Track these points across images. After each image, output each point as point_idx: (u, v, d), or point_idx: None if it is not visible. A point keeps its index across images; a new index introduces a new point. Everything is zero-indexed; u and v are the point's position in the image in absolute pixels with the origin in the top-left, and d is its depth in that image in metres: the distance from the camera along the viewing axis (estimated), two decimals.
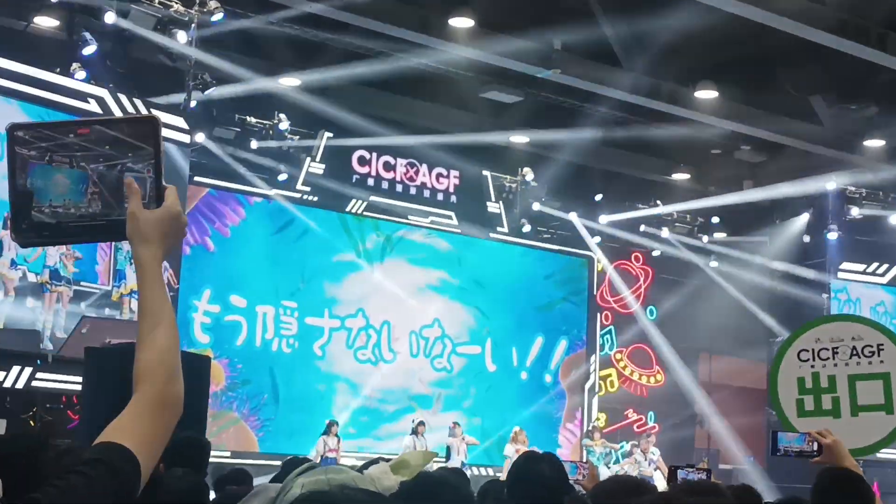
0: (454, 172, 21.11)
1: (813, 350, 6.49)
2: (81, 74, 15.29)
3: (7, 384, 11.14)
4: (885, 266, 23.30)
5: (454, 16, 15.93)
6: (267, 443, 18.80)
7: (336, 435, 17.30)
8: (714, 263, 23.68)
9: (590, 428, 21.73)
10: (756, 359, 23.08)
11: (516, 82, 18.25)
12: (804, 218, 23.08)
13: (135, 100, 15.56)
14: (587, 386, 23.11)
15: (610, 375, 23.48)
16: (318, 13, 15.29)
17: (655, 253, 23.71)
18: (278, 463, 17.07)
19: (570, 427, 22.79)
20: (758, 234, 23.62)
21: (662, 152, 21.54)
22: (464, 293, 21.56)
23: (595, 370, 23.25)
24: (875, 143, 20.44)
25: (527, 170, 21.72)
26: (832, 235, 22.64)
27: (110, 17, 15.22)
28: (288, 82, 17.89)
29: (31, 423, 10.91)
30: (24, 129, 1.88)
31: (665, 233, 23.26)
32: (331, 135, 19.38)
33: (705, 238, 23.61)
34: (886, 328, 7.10)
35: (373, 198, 20.25)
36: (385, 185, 20.35)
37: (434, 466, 10.80)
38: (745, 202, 22.52)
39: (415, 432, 17.89)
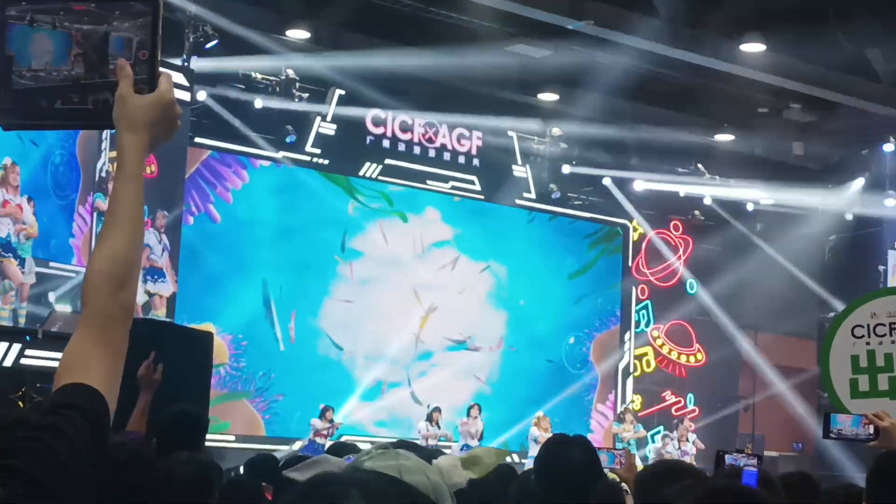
0: (477, 133, 21.03)
1: (868, 326, 6.43)
2: None
3: None
4: None
5: None
6: (275, 426, 18.89)
7: (330, 420, 17.37)
8: (760, 232, 23.58)
9: (621, 410, 21.75)
10: (806, 336, 23.01)
11: (545, 34, 18.12)
12: (859, 183, 22.92)
13: None
14: (621, 366, 23.12)
15: (646, 354, 23.45)
16: None
17: (696, 221, 23.62)
18: (287, 448, 16.94)
19: (602, 409, 22.82)
20: (808, 201, 23.48)
21: (704, 111, 21.38)
22: (484, 261, 21.55)
23: (630, 349, 23.24)
24: None
25: (556, 130, 21.64)
26: (890, 202, 22.48)
27: None
28: (296, 35, 17.85)
29: (21, 403, 10.95)
30: None
31: (707, 199, 23.17)
32: (342, 92, 19.33)
33: (751, 205, 23.50)
34: None
35: (388, 161, 20.22)
36: (402, 146, 20.28)
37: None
38: (794, 165, 22.39)
39: (429, 419, 18.02)
